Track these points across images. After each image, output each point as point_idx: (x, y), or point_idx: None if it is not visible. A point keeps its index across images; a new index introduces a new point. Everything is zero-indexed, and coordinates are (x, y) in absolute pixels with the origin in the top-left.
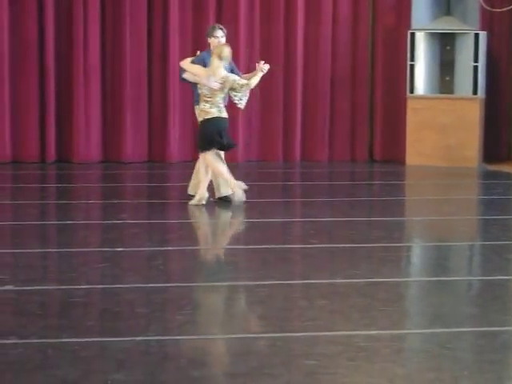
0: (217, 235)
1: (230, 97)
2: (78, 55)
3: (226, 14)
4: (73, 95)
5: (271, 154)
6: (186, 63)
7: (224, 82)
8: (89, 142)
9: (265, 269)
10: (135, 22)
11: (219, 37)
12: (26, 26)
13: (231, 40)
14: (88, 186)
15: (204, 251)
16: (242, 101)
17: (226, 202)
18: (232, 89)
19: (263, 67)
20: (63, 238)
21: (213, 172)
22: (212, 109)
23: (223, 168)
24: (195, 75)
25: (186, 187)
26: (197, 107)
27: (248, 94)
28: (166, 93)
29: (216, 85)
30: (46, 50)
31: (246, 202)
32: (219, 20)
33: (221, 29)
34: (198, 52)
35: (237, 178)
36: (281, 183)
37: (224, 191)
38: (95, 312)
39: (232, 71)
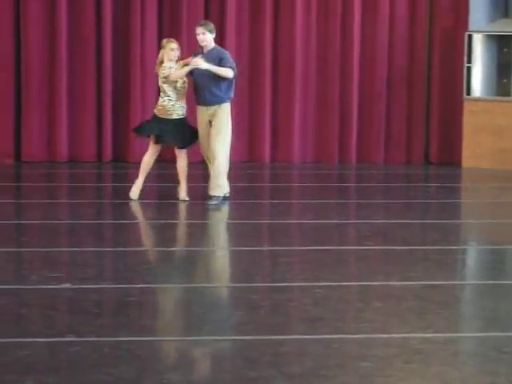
0: (272, 236)
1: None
2: (134, 54)
3: (283, 13)
4: (129, 94)
5: (327, 156)
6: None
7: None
8: (144, 142)
9: (320, 270)
10: (192, 22)
11: (199, 34)
12: (83, 24)
13: (289, 40)
14: (143, 186)
15: (258, 252)
16: None
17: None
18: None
19: (198, 61)
20: (119, 236)
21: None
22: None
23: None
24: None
25: (244, 188)
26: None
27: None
28: None
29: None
30: (103, 49)
31: (301, 203)
32: (276, 20)
33: (201, 25)
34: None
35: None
36: (336, 185)
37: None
38: (150, 311)
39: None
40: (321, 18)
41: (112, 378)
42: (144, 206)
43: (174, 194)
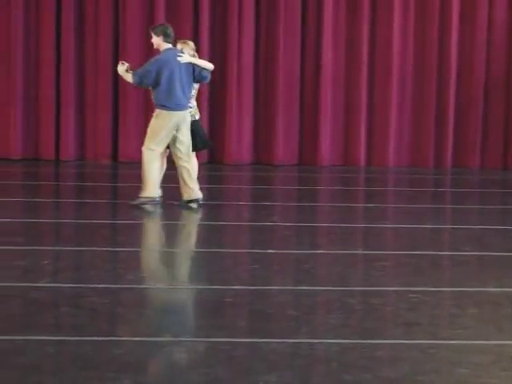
0: (367, 240)
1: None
2: (231, 56)
3: (381, 14)
4: (226, 96)
5: (422, 160)
6: None
7: None
8: (240, 144)
9: (415, 275)
10: (289, 23)
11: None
12: (181, 28)
13: (386, 44)
14: (239, 188)
15: (353, 256)
16: None
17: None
18: None
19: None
20: (213, 238)
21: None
22: None
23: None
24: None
25: (339, 192)
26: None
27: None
28: (317, 95)
29: None
30: (200, 52)
31: (396, 208)
32: (373, 23)
33: (151, 29)
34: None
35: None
36: (431, 189)
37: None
38: (246, 313)
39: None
40: (418, 23)
41: (207, 378)
42: (238, 208)
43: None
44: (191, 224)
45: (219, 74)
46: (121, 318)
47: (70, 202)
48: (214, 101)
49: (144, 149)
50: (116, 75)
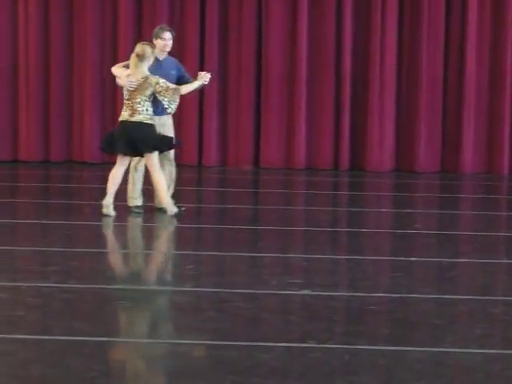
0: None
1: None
2: (374, 62)
3: None
4: (367, 102)
5: None
6: (114, 68)
7: (143, 82)
8: (382, 151)
9: None
10: (432, 29)
11: (166, 39)
12: (323, 31)
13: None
14: (380, 195)
15: (496, 265)
16: (171, 105)
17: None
18: (157, 92)
19: (205, 77)
20: (355, 244)
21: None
22: (124, 112)
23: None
24: (118, 77)
25: (482, 200)
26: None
27: (178, 100)
28: (461, 102)
29: (130, 84)
30: (342, 56)
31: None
32: None
33: (169, 30)
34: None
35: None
36: None
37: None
38: (390, 320)
39: (180, 74)
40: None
41: None
42: (379, 215)
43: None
44: (328, 231)
45: (361, 78)
46: (265, 324)
47: (212, 208)
48: (356, 108)
49: None
50: (259, 77)
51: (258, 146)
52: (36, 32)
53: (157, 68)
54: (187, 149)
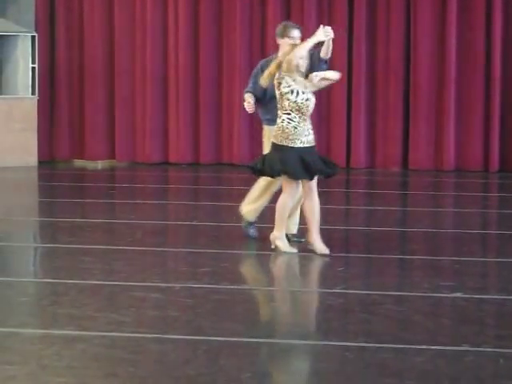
0: None
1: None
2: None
3: None
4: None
5: None
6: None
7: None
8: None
9: None
10: None
11: (295, 37)
12: (473, 36)
13: None
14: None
15: None
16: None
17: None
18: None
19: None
20: (507, 247)
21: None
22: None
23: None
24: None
25: None
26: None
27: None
28: None
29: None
30: (492, 61)
31: None
32: None
33: (298, 28)
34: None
35: None
36: None
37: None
38: None
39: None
40: None
41: None
42: None
43: None
44: (479, 233)
45: (511, 82)
46: (417, 326)
47: (361, 210)
48: (506, 111)
49: None
50: (408, 81)
51: (406, 148)
52: (185, 33)
53: None
54: (335, 150)
